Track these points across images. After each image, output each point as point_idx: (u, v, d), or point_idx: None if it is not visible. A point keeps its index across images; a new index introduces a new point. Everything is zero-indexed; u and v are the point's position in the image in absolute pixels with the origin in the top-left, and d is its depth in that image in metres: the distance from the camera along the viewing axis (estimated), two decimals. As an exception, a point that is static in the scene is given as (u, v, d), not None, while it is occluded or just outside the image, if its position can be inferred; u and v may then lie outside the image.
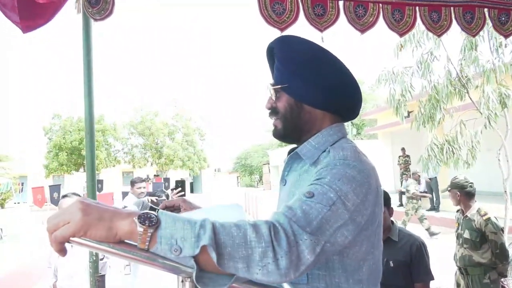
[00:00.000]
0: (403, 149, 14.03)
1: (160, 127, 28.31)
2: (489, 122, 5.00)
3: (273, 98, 1.09)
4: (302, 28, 2.07)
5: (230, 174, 42.48)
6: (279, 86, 1.07)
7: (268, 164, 30.85)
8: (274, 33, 2.03)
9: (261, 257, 0.72)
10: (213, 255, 0.70)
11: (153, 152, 28.80)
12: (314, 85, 1.04)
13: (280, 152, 28.33)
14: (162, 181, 18.28)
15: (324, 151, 1.01)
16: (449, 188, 3.38)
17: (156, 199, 2.91)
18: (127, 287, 4.45)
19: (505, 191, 5.31)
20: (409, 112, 8.46)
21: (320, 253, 0.78)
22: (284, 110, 1.07)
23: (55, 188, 17.34)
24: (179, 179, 3.23)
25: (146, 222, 0.71)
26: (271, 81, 1.11)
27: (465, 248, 3.24)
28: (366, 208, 0.88)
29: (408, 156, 13.84)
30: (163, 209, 1.22)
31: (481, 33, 3.98)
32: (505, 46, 4.96)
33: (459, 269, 3.32)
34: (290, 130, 1.08)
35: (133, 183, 4.81)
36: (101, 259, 2.55)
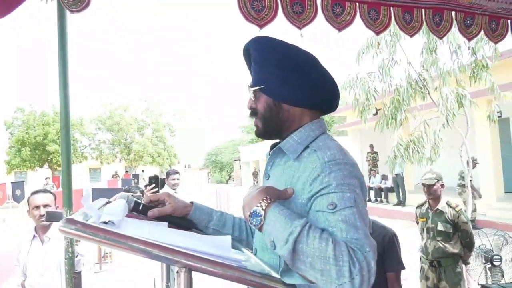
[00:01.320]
0: (371, 145, 14.43)
1: (130, 122, 27.73)
2: (447, 121, 5.25)
3: (253, 98, 1.12)
4: (280, 25, 2.11)
5: (201, 170, 42.18)
6: (257, 87, 1.09)
7: (239, 160, 30.87)
8: (253, 30, 2.05)
9: (338, 275, 0.81)
10: (289, 262, 0.86)
11: (122, 148, 28.19)
12: (291, 84, 1.06)
13: (251, 148, 28.41)
14: (131, 177, 17.94)
15: (307, 146, 1.04)
16: (436, 180, 3.45)
17: (132, 195, 2.87)
18: (100, 285, 4.37)
19: (467, 185, 5.59)
20: (377, 110, 8.72)
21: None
22: (264, 111, 1.10)
23: (17, 184, 16.70)
24: (153, 175, 3.20)
25: (254, 221, 0.92)
26: (250, 82, 1.12)
27: (437, 240, 3.37)
28: (363, 195, 0.97)
29: (376, 152, 14.26)
30: (148, 203, 1.22)
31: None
32: (460, 49, 5.22)
33: (431, 262, 3.42)
34: (271, 129, 1.12)
35: (168, 174, 5.29)
36: (76, 256, 2.49)
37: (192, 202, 1.25)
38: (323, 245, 0.82)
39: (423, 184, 3.51)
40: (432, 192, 3.46)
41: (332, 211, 0.89)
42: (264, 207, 0.91)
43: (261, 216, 0.90)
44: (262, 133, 1.14)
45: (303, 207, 0.96)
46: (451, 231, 3.35)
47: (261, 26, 2.08)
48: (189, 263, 0.75)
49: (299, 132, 1.07)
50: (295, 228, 0.85)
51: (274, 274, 0.87)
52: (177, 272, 0.77)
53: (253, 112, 1.13)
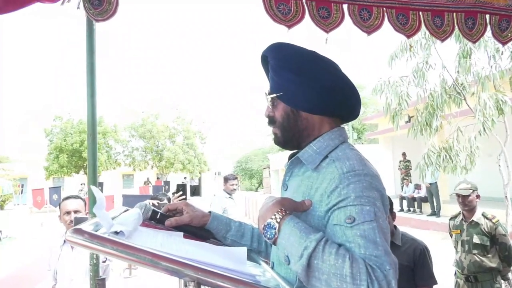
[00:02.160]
0: (403, 154, 14.01)
1: (161, 129, 28.32)
2: (484, 128, 5.01)
3: (270, 106, 1.09)
4: (308, 27, 2.07)
5: (230, 178, 42.32)
6: (275, 95, 1.07)
7: (269, 168, 30.81)
8: (281, 31, 2.03)
9: None
10: (303, 279, 0.82)
11: (154, 155, 28.77)
12: (309, 92, 1.03)
13: (281, 156, 28.31)
14: (162, 184, 18.25)
15: (327, 156, 1.00)
16: (472, 190, 3.30)
17: (158, 203, 2.90)
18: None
19: (506, 196, 5.30)
20: (410, 117, 8.46)
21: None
22: (282, 119, 1.08)
23: (55, 190, 17.33)
24: (180, 183, 3.22)
25: (267, 234, 0.88)
26: (268, 89, 1.10)
27: (474, 254, 3.20)
28: (384, 208, 0.92)
29: (409, 161, 13.82)
30: (166, 212, 1.21)
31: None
32: (502, 53, 4.98)
33: (467, 277, 3.25)
34: (289, 138, 1.09)
35: (226, 179, 5.31)
36: (104, 261, 2.52)
37: (210, 212, 1.23)
38: (339, 262, 0.77)
39: (458, 195, 3.34)
40: (467, 203, 3.29)
41: (350, 225, 0.85)
42: (278, 220, 0.88)
43: (275, 229, 0.87)
44: (281, 142, 1.12)
45: (320, 220, 0.92)
46: (488, 243, 3.18)
47: (289, 27, 2.06)
48: (198, 277, 0.72)
49: (318, 142, 1.04)
50: (310, 243, 0.81)
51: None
52: (185, 285, 0.74)
53: (271, 121, 1.11)
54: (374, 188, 0.91)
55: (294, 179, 1.08)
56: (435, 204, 11.72)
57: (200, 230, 1.19)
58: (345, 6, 2.14)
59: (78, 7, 2.04)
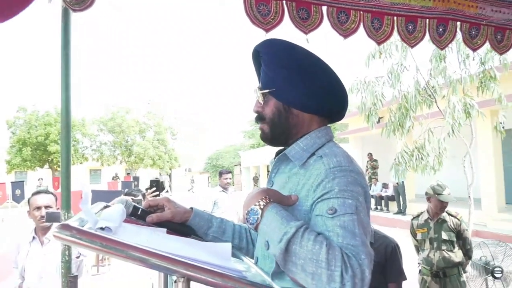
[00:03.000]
0: (369, 154, 14.41)
1: (131, 124, 27.75)
2: (453, 130, 5.22)
3: (261, 102, 1.08)
4: (287, 29, 2.09)
5: (201, 174, 42.12)
6: (267, 90, 1.06)
7: (240, 165, 30.83)
8: (259, 34, 2.03)
9: (329, 280, 0.78)
10: (280, 263, 0.84)
11: (123, 150, 28.17)
12: (303, 89, 1.03)
13: (252, 153, 28.37)
14: (131, 179, 17.89)
15: (313, 154, 1.02)
16: (449, 193, 3.34)
17: (132, 199, 2.85)
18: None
19: (469, 196, 5.55)
20: (379, 118, 8.70)
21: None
22: (272, 115, 1.07)
23: (17, 184, 16.69)
24: (154, 179, 3.15)
25: (250, 219, 0.91)
26: (259, 85, 1.09)
27: (442, 250, 3.32)
28: (366, 204, 0.95)
29: (375, 160, 14.21)
30: (147, 208, 1.20)
31: (450, 45, 4.18)
32: (473, 59, 5.20)
33: (436, 273, 3.34)
34: (278, 134, 1.08)
35: (220, 174, 5.48)
36: (77, 257, 2.45)
37: (191, 208, 1.23)
38: (316, 248, 0.80)
39: (442, 201, 3.33)
40: (444, 207, 3.37)
41: (331, 216, 0.87)
42: (262, 206, 0.90)
43: (258, 214, 0.90)
44: (268, 138, 1.11)
45: (306, 214, 0.94)
46: (454, 239, 3.33)
47: (267, 30, 2.07)
48: (188, 273, 0.72)
49: (305, 139, 1.05)
50: (290, 229, 0.83)
51: (275, 286, 0.84)
52: (175, 281, 0.74)
53: (260, 117, 1.10)
54: (358, 184, 0.93)
55: (281, 176, 1.08)
56: (401, 202, 12.12)
57: (181, 226, 1.18)
58: (324, 8, 2.17)
59: (54, -4, 1.97)
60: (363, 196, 0.93)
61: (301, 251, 0.81)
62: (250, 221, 0.91)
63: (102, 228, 0.82)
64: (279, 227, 0.85)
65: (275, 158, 1.12)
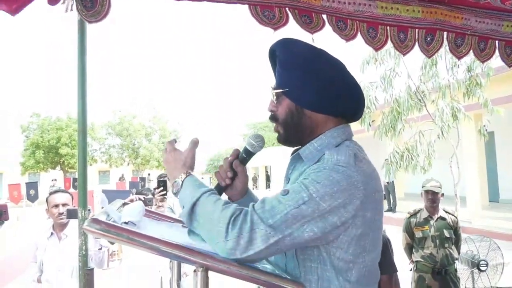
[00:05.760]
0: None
1: (138, 128, 27.77)
2: (442, 133, 5.25)
3: (274, 101, 1.03)
4: (294, 27, 2.09)
5: (203, 175, 42.12)
6: (280, 90, 1.00)
7: (240, 166, 30.76)
8: (260, 39, 2.03)
9: (216, 235, 0.83)
10: (187, 223, 0.91)
11: (130, 152, 28.18)
12: (316, 90, 0.97)
13: (253, 156, 28.27)
14: (138, 180, 17.88)
15: (325, 153, 0.95)
16: (440, 188, 3.27)
17: (144, 197, 2.88)
18: (107, 281, 4.34)
19: (456, 194, 5.58)
20: (371, 121, 8.74)
21: (274, 244, 0.82)
22: (285, 116, 1.01)
23: (31, 185, 16.63)
24: (161, 179, 3.14)
25: (174, 189, 0.99)
26: (273, 84, 1.03)
27: (445, 247, 3.21)
28: (347, 211, 0.85)
29: (368, 161, 14.22)
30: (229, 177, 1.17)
31: (439, 52, 4.22)
32: (458, 67, 5.25)
33: (438, 271, 3.19)
34: (292, 135, 1.02)
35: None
36: (100, 249, 2.47)
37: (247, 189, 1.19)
38: (214, 208, 0.87)
39: (428, 191, 3.28)
40: (436, 200, 3.26)
41: (280, 194, 0.86)
42: (182, 179, 0.99)
43: (179, 186, 0.98)
44: (284, 140, 1.05)
45: None
46: (453, 236, 3.26)
47: (275, 29, 2.06)
48: (206, 263, 0.75)
49: (320, 139, 0.97)
50: (198, 194, 0.91)
51: (285, 275, 0.86)
52: (194, 271, 0.76)
53: (274, 117, 1.04)
54: (341, 189, 0.84)
55: (295, 173, 1.03)
56: (391, 201, 12.13)
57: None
58: (324, 16, 2.19)
59: (71, 9, 1.98)
60: (341, 204, 0.84)
61: (202, 210, 0.88)
62: (174, 191, 0.99)
63: (126, 223, 0.84)
64: (191, 193, 0.93)
65: (291, 156, 1.06)
